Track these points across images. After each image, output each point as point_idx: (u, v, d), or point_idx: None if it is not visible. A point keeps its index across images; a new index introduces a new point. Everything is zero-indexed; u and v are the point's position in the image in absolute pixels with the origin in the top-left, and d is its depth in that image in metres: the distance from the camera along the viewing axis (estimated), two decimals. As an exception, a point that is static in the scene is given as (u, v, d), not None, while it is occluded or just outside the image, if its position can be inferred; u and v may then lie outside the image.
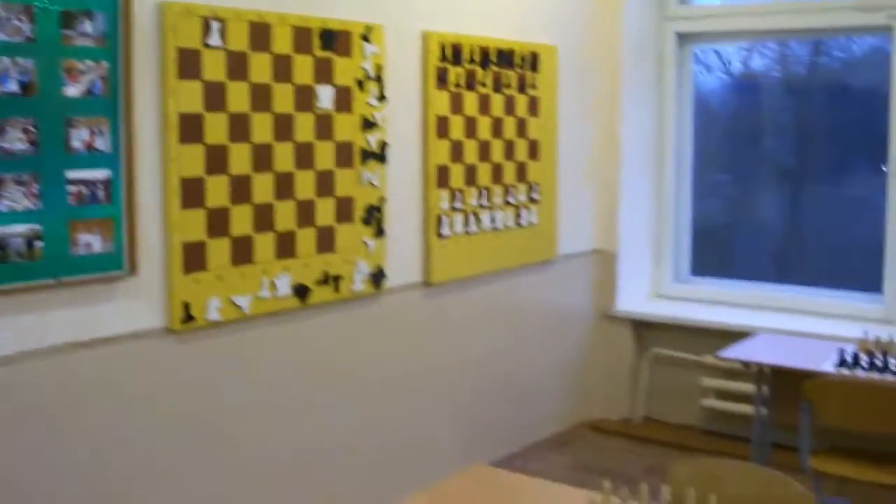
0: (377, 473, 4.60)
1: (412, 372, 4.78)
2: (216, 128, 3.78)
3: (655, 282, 6.27)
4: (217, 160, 3.80)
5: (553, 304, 5.75)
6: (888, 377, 4.06)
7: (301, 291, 4.15)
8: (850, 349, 4.28)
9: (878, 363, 4.17)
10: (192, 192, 3.72)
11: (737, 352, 4.58)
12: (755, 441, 4.57)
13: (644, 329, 6.05)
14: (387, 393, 4.64)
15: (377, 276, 4.49)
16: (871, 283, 5.61)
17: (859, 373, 4.13)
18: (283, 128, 4.04)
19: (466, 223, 4.99)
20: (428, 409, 4.91)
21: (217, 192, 3.81)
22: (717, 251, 6.38)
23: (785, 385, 4.29)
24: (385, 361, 4.62)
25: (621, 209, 5.98)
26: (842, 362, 4.22)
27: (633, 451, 5.59)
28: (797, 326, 5.34)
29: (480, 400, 5.24)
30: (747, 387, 5.33)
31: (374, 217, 4.45)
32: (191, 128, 3.69)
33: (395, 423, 4.70)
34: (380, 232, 4.48)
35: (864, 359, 4.21)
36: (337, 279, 4.29)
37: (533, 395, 5.65)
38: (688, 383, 5.88)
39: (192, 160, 3.71)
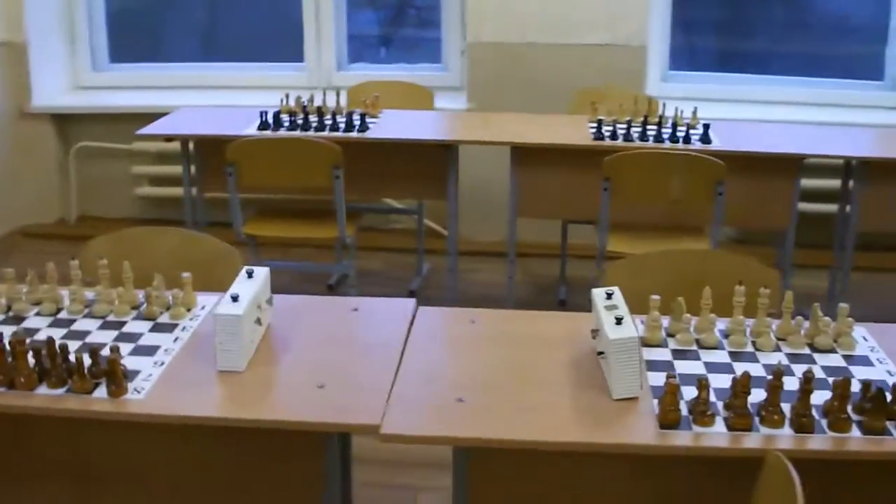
0: None
1: None
2: None
3: (73, 72, 5.86)
4: None
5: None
6: (310, 134, 4.16)
7: None
8: (271, 113, 4.32)
9: (299, 122, 4.26)
10: None
11: (156, 127, 4.41)
12: (189, 221, 4.50)
13: (66, 123, 5.68)
14: None
15: None
16: (293, 54, 5.70)
17: (281, 133, 4.19)
18: None
19: None
20: None
21: None
22: (139, 35, 6.08)
23: (213, 158, 4.22)
24: None
25: (26, -7, 5.45)
26: (263, 125, 4.25)
27: (70, 252, 5.32)
28: (223, 101, 5.30)
29: None
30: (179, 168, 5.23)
31: None
32: None
33: None
34: None
35: (285, 119, 4.27)
36: None
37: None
38: (119, 174, 5.67)
39: None
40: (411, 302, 2.50)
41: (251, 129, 4.22)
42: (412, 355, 2.21)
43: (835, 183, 4.66)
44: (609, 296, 2.21)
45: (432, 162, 4.36)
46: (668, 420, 1.93)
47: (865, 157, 4.16)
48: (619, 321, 2.08)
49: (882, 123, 5.12)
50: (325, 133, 4.19)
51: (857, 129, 4.78)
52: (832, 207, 4.80)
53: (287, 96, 4.42)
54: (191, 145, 4.38)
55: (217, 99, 5.42)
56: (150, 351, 2.19)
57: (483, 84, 5.32)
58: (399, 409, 1.98)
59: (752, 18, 5.85)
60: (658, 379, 2.08)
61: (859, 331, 2.34)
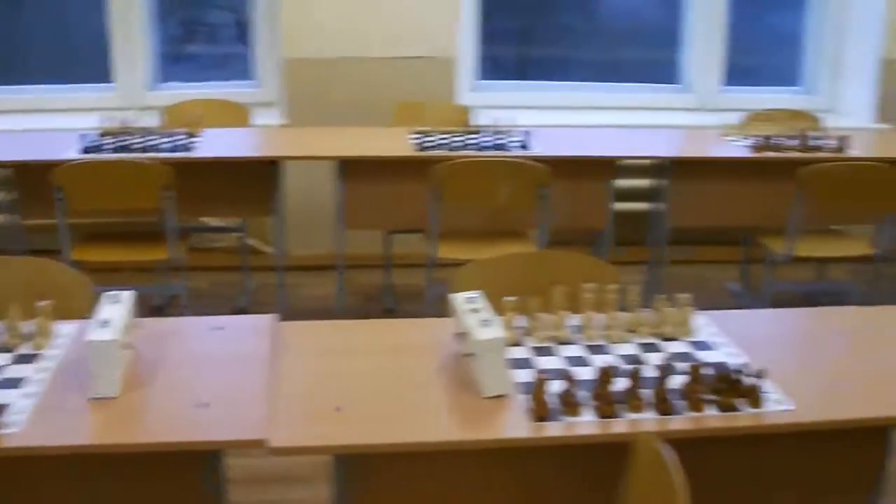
0: None
1: None
2: None
3: None
4: None
5: None
6: (135, 155, 4.11)
7: None
8: (92, 136, 4.24)
9: (122, 144, 4.20)
10: None
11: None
12: (11, 249, 4.34)
13: None
14: None
15: None
16: (100, 74, 5.57)
17: (107, 155, 4.12)
18: None
19: None
20: None
21: None
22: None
23: (36, 184, 4.08)
24: None
25: None
26: (87, 149, 4.16)
27: None
28: (33, 125, 5.13)
29: None
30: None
31: None
32: None
33: None
34: None
35: (107, 141, 4.21)
36: None
37: None
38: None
39: None
40: (272, 317, 2.53)
41: (72, 153, 4.12)
42: (284, 370, 2.25)
43: (645, 182, 4.93)
44: (471, 299, 2.31)
45: (257, 179, 4.37)
46: (542, 412, 2.04)
47: (674, 156, 4.44)
48: (484, 323, 2.18)
49: (682, 125, 5.45)
50: (151, 154, 4.14)
51: (663, 130, 5.08)
52: (645, 205, 5.07)
53: (106, 118, 4.35)
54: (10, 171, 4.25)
55: (26, 123, 5.24)
56: (17, 383, 2.14)
57: (299, 99, 5.35)
58: (281, 423, 2.02)
59: (549, 27, 6.12)
60: (522, 376, 2.20)
61: (699, 318, 2.53)
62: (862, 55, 5.88)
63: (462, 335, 2.28)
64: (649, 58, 6.18)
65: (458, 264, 2.91)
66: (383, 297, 5.08)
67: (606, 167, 4.37)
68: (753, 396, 2.10)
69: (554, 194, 4.09)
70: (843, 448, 2.28)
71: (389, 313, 4.93)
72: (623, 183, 5.08)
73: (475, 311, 2.25)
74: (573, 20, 6.15)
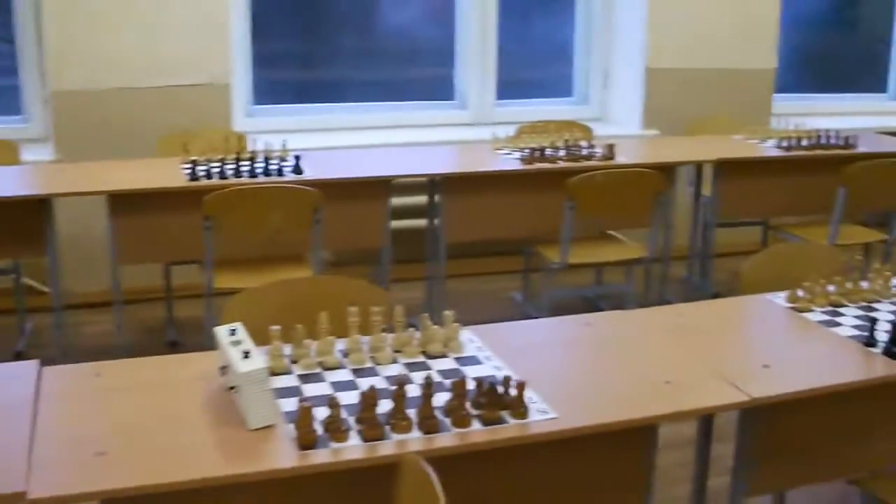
0: None
1: None
2: None
3: None
4: None
5: None
6: None
7: None
8: None
9: None
10: None
11: None
12: None
13: None
14: None
15: None
16: None
17: None
18: None
19: None
20: None
21: None
22: None
23: None
24: None
25: None
26: None
27: None
28: None
29: None
30: None
31: None
32: None
33: None
34: None
35: None
36: None
37: None
38: None
39: None
40: (33, 364, 2.41)
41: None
42: (44, 417, 2.15)
43: (423, 199, 4.98)
44: (232, 332, 2.27)
45: (27, 218, 4.18)
46: (306, 441, 2.02)
47: (443, 172, 4.50)
48: (246, 355, 2.14)
49: (458, 140, 5.54)
50: None
51: (437, 147, 5.15)
52: (422, 222, 5.13)
53: None
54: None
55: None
56: None
57: (70, 134, 5.15)
58: (41, 473, 1.92)
59: (328, 49, 6.11)
60: (289, 405, 2.17)
61: (465, 334, 2.56)
62: (628, 65, 6.14)
63: (225, 368, 2.23)
64: (426, 76, 6.27)
65: (236, 293, 2.86)
66: (167, 331, 4.95)
67: (381, 187, 4.39)
68: (517, 408, 2.13)
69: (330, 216, 4.08)
70: (612, 450, 2.34)
71: (173, 347, 4.81)
72: (401, 201, 5.14)
73: (236, 343, 2.21)
74: (351, 41, 6.17)
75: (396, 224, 5.28)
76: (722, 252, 5.77)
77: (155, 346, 4.83)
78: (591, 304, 5.39)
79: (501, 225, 4.60)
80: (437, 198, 4.57)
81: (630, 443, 2.34)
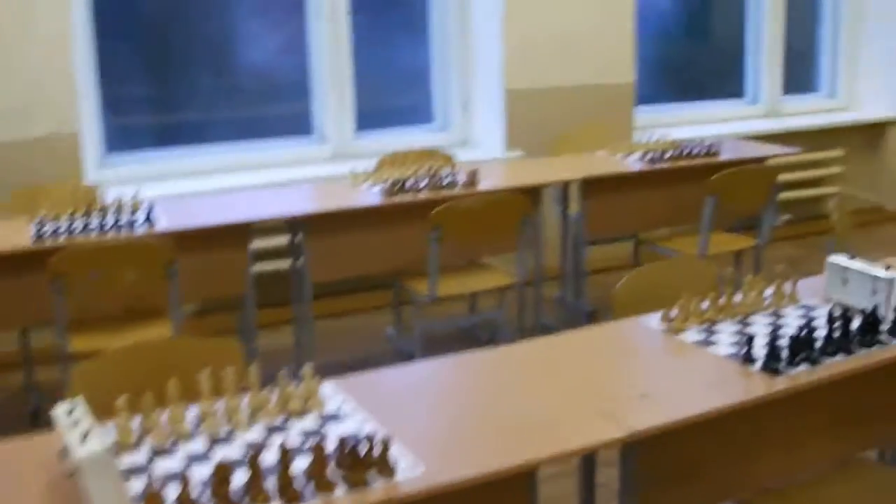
0: None
1: None
2: None
3: None
4: None
5: None
6: None
7: None
8: None
9: None
10: None
11: None
12: None
13: None
14: None
15: None
16: None
17: None
18: None
19: None
20: None
21: None
22: None
23: None
24: None
25: None
26: None
27: None
28: None
29: None
30: None
31: None
32: None
33: None
34: None
35: None
36: None
37: None
38: None
39: None
40: None
41: None
42: None
43: (285, 239, 4.81)
44: (70, 410, 2.08)
45: None
46: (155, 528, 1.85)
47: (304, 214, 4.35)
48: (85, 436, 1.96)
49: (320, 176, 5.39)
50: None
51: (297, 185, 5.00)
52: (287, 263, 4.98)
53: None
54: None
55: None
56: None
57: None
58: None
59: (183, 91, 5.89)
60: (139, 484, 1.99)
61: (327, 387, 2.41)
62: (487, 87, 6.08)
63: (65, 452, 2.04)
64: (286, 112, 6.09)
65: (94, 354, 2.67)
66: (29, 398, 4.67)
67: (240, 232, 4.22)
68: (383, 466, 2.00)
69: (188, 266, 3.89)
70: (489, 496, 2.22)
71: (34, 417, 4.54)
72: (264, 242, 4.99)
73: (75, 422, 2.03)
74: (207, 81, 5.96)
75: (261, 267, 5.11)
76: (595, 268, 5.75)
77: (16, 415, 4.55)
78: (466, 334, 5.29)
79: (368, 261, 4.47)
80: (299, 237, 4.41)
81: (508, 488, 2.22)
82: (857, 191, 7.51)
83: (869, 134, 7.61)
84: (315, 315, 4.56)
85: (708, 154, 5.25)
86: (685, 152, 5.23)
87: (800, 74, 7.71)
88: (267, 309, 4.84)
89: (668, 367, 2.60)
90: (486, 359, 2.68)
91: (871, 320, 2.66)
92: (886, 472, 2.86)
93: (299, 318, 4.58)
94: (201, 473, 2.00)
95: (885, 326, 2.67)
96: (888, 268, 2.83)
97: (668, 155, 5.18)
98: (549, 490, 2.16)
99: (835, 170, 7.33)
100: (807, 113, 7.51)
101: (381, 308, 5.31)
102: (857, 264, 2.89)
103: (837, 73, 7.74)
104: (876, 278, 2.79)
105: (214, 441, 2.19)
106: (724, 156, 5.28)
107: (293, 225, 4.48)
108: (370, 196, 4.48)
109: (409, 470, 2.02)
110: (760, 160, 5.34)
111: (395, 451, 2.05)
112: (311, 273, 4.35)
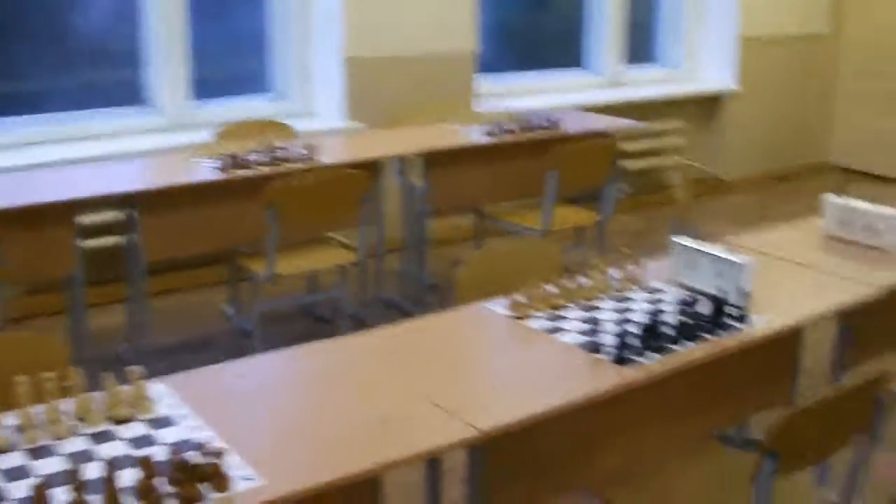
0: None
1: None
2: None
3: None
4: None
5: None
6: None
7: None
8: None
9: None
10: None
11: None
12: None
13: None
14: None
15: None
16: None
17: None
18: None
19: None
20: None
21: None
22: None
23: None
24: None
25: None
26: None
27: None
28: None
29: None
30: None
31: None
32: None
33: None
34: None
35: None
36: None
37: None
38: None
39: None
40: None
41: None
42: None
43: (120, 215, 4.58)
44: None
45: None
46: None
47: (135, 190, 4.13)
48: None
49: (156, 147, 5.16)
50: None
51: (130, 159, 4.77)
52: (118, 239, 4.76)
53: None
54: None
55: None
56: None
57: None
58: None
59: (16, 57, 5.49)
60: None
61: (157, 388, 2.27)
62: (327, 56, 5.92)
63: None
64: (121, 79, 5.77)
65: None
66: None
67: (66, 210, 3.97)
68: (217, 480, 1.88)
69: (12, 246, 3.66)
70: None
71: None
72: (97, 217, 4.77)
73: None
74: (37, 48, 5.56)
75: (92, 243, 4.87)
76: (439, 240, 5.70)
77: None
78: (307, 310, 5.16)
79: (205, 238, 4.29)
80: (133, 214, 4.19)
81: (351, 493, 2.12)
82: (697, 162, 7.67)
83: (708, 106, 7.76)
84: (149, 292, 4.36)
85: (550, 127, 5.24)
86: (528, 125, 5.20)
87: (641, 45, 7.79)
88: (99, 287, 4.62)
89: (516, 358, 2.53)
90: (326, 350, 2.56)
91: (719, 305, 2.66)
92: (730, 455, 2.88)
93: (133, 296, 4.37)
94: (20, 491, 1.85)
95: (732, 311, 2.67)
96: (729, 248, 2.85)
97: (510, 127, 5.14)
98: (395, 476, 2.06)
99: (675, 140, 7.45)
100: (648, 83, 7.60)
101: (218, 284, 5.12)
102: (703, 246, 2.89)
103: (678, 45, 7.85)
104: (722, 261, 2.79)
105: (35, 453, 2.02)
106: (566, 127, 5.27)
107: (126, 201, 4.25)
108: (207, 171, 4.29)
109: (245, 482, 1.91)
110: (604, 134, 5.35)
111: (230, 461, 1.94)
112: (145, 251, 4.14)
